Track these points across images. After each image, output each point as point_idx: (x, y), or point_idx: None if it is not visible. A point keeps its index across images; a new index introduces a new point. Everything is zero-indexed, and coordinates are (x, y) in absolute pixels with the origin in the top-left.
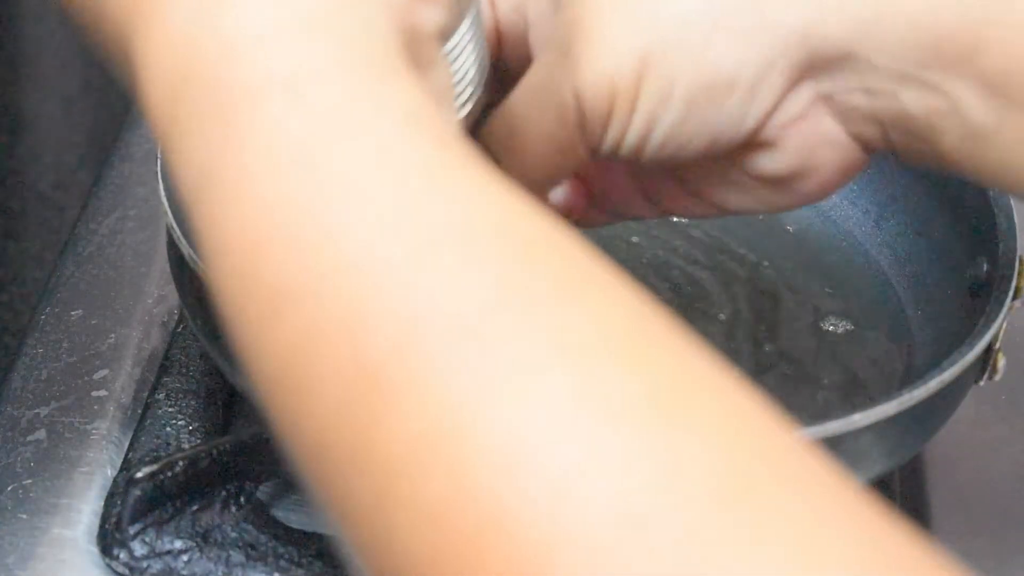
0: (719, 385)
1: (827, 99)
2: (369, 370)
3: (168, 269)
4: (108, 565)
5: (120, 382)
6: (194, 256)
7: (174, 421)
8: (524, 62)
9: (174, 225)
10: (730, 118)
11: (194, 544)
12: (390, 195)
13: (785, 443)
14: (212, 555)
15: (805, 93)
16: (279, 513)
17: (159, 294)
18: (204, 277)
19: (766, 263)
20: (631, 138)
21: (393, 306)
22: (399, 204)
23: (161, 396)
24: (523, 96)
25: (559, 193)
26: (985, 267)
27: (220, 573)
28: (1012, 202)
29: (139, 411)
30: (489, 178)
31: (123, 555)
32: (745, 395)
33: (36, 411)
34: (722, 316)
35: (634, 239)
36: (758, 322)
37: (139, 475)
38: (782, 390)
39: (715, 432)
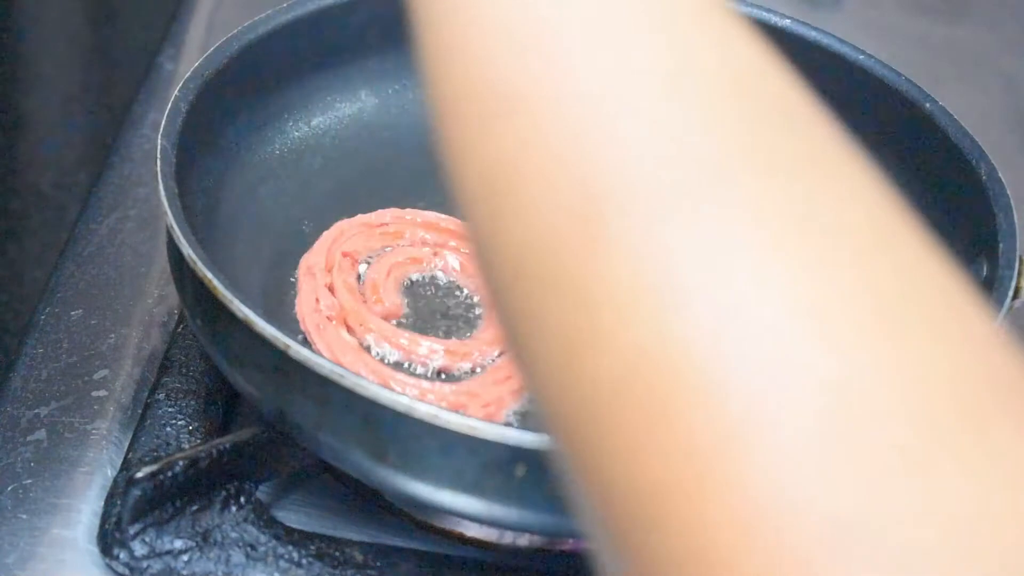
0: (948, 299)
1: None
2: (583, 196)
3: (168, 269)
4: (108, 565)
5: (120, 382)
6: (194, 256)
7: (174, 421)
8: None
9: (174, 225)
10: None
11: (194, 544)
12: (643, 32)
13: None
14: (212, 555)
15: None
16: (279, 513)
17: (159, 294)
18: (204, 277)
19: None
20: None
21: (621, 144)
22: (647, 43)
23: (161, 396)
24: None
25: None
26: (985, 267)
27: (220, 573)
28: (1012, 202)
29: (139, 411)
30: (736, 31)
31: (123, 555)
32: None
33: (36, 411)
34: None
35: None
36: None
37: (139, 475)
38: None
39: (942, 348)
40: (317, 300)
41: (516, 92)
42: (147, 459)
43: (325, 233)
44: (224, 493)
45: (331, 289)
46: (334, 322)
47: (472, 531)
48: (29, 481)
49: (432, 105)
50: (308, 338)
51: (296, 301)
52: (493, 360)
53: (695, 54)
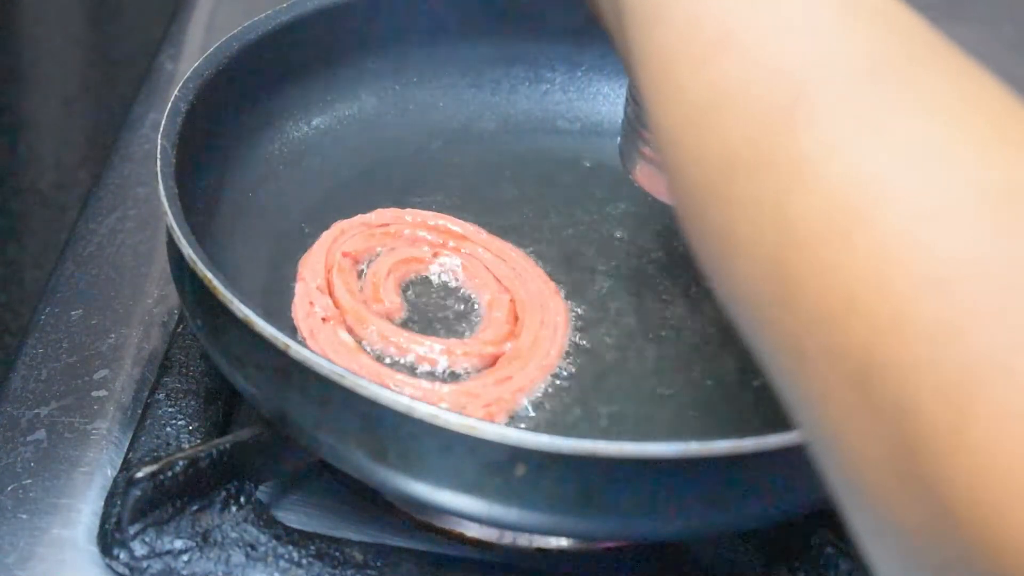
0: None
1: None
2: (790, 95)
3: (168, 269)
4: (108, 565)
5: (120, 382)
6: (194, 256)
7: (174, 421)
8: None
9: (174, 225)
10: None
11: (194, 544)
12: None
13: None
14: (212, 555)
15: None
16: (279, 513)
17: (159, 294)
18: (204, 277)
19: None
20: None
21: (818, 50)
22: None
23: (161, 396)
24: None
25: None
26: None
27: (220, 573)
28: None
29: (139, 411)
30: None
31: (123, 555)
32: None
33: (36, 411)
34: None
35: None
36: None
37: (139, 475)
38: None
39: None
40: (311, 304)
41: (729, 36)
42: (147, 459)
43: (325, 233)
44: (224, 493)
45: (330, 289)
46: (331, 322)
47: (472, 531)
48: (29, 481)
49: (644, 54)
50: (304, 343)
51: (292, 305)
52: (493, 360)
53: None
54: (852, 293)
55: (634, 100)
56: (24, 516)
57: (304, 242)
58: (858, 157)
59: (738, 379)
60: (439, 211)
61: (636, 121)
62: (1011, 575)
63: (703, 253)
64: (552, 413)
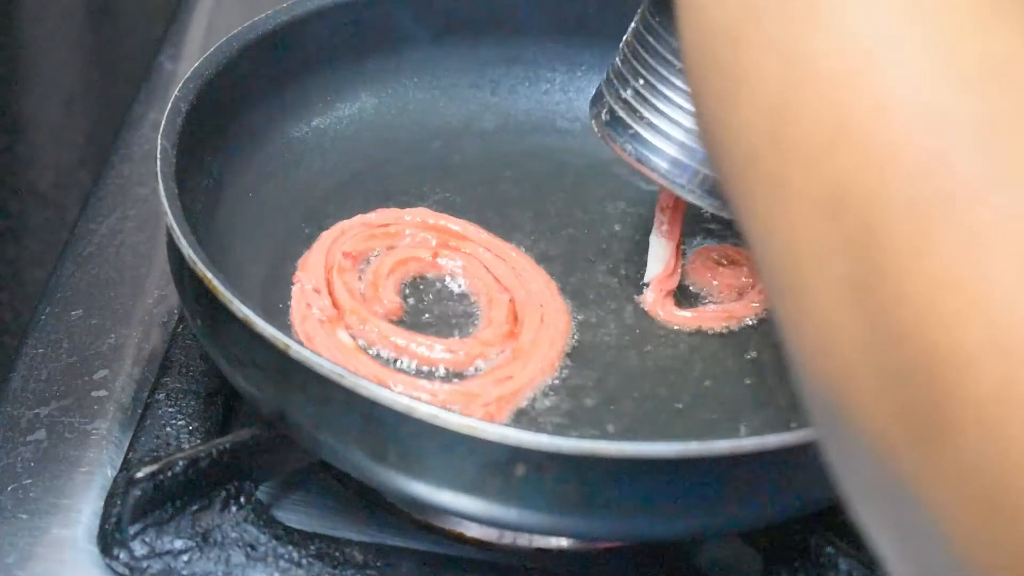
0: None
1: None
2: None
3: (168, 269)
4: (108, 565)
5: (120, 382)
6: (194, 256)
7: (174, 421)
8: None
9: (174, 225)
10: None
11: (194, 544)
12: None
13: None
14: (212, 555)
15: None
16: (279, 513)
17: (159, 294)
18: (204, 277)
19: None
20: None
21: None
22: None
23: (161, 396)
24: None
25: None
26: None
27: (220, 573)
28: None
29: (139, 411)
30: None
31: (123, 555)
32: None
33: (36, 411)
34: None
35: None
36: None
37: (139, 475)
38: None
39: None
40: (308, 306)
41: None
42: (147, 459)
43: (325, 233)
44: (224, 493)
45: (330, 289)
46: (329, 325)
47: (472, 531)
48: (29, 481)
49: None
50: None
51: (290, 309)
52: (493, 360)
53: None
54: (846, 124)
55: (625, 54)
56: (24, 516)
57: (304, 242)
58: (872, 7)
59: (737, 379)
60: (439, 211)
61: (617, 74)
62: (951, 392)
63: (705, 101)
64: (552, 413)
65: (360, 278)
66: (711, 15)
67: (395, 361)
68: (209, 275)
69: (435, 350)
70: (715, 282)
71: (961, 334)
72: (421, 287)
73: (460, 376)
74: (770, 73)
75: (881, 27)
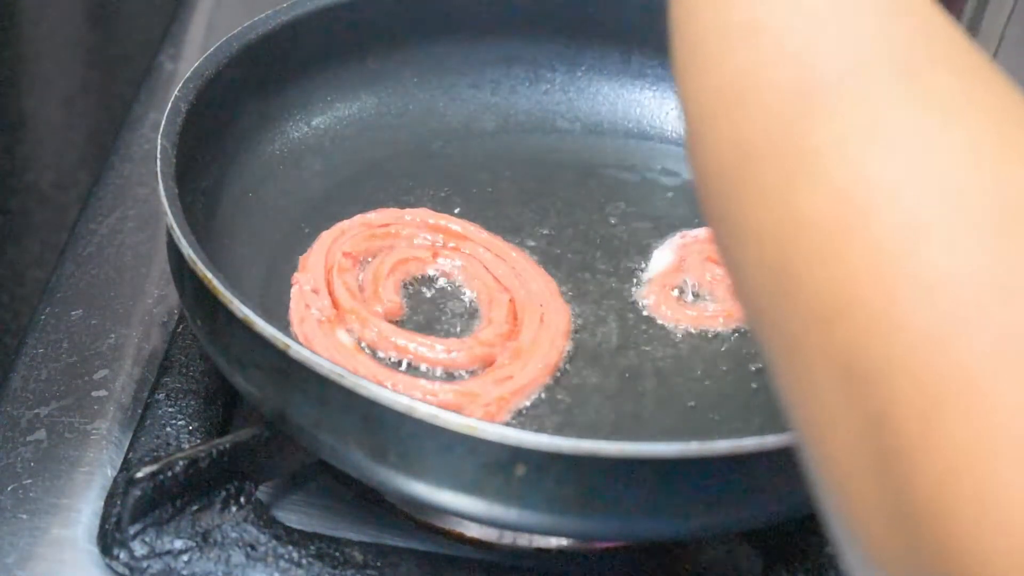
0: None
1: None
2: (808, 88)
3: (168, 269)
4: (108, 565)
5: (120, 382)
6: (194, 256)
7: (174, 421)
8: None
9: (174, 225)
10: None
11: (194, 544)
12: None
13: None
14: (212, 555)
15: None
16: (279, 513)
17: (159, 294)
18: (204, 277)
19: None
20: None
21: (841, 43)
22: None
23: (161, 396)
24: None
25: None
26: None
27: (220, 573)
28: None
29: (139, 411)
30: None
31: (123, 555)
32: None
33: (36, 411)
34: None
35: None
36: None
37: (139, 475)
38: None
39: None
40: (307, 306)
41: (756, 23)
42: (147, 459)
43: (325, 233)
44: (224, 493)
45: (330, 289)
46: (328, 325)
47: (472, 531)
48: (29, 481)
49: (677, 42)
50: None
51: (288, 311)
52: (493, 360)
53: None
54: (847, 291)
55: None
56: (24, 516)
57: (304, 242)
58: (868, 156)
59: (738, 379)
60: (440, 211)
61: None
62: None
63: (718, 242)
64: (552, 413)
65: (360, 278)
66: (712, 161)
67: (395, 361)
68: (209, 275)
69: (435, 350)
70: (715, 282)
71: (974, 538)
72: (421, 287)
73: (460, 376)
74: (767, 229)
75: (879, 177)
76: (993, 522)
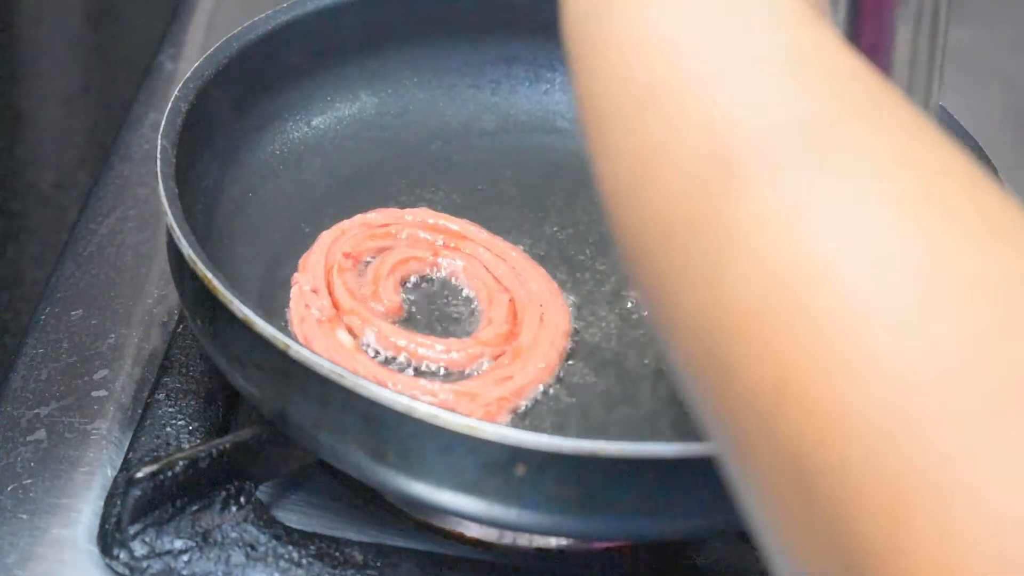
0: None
1: None
2: (721, 159)
3: (168, 269)
4: (108, 565)
5: (120, 382)
6: (194, 256)
7: (174, 421)
8: None
9: (174, 225)
10: None
11: (194, 544)
12: (745, 29)
13: None
14: (212, 555)
15: None
16: (279, 513)
17: (159, 294)
18: (204, 277)
19: None
20: None
21: (756, 107)
22: (755, 33)
23: (161, 396)
24: None
25: None
26: None
27: (220, 573)
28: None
29: (139, 411)
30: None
31: (123, 555)
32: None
33: (36, 411)
34: None
35: None
36: None
37: (139, 475)
38: None
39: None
40: (307, 306)
41: (659, 86)
42: (147, 459)
43: (324, 233)
44: (224, 493)
45: (329, 289)
46: (328, 325)
47: (472, 531)
48: (29, 481)
49: (584, 108)
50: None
51: (288, 311)
52: (493, 360)
53: (797, 42)
54: (785, 377)
55: None
56: (24, 516)
57: (304, 242)
58: (793, 232)
59: None
60: (439, 211)
61: None
62: None
63: (650, 318)
64: (552, 413)
65: (360, 278)
66: (632, 239)
67: (395, 361)
68: (209, 275)
69: (435, 350)
70: None
71: None
72: (421, 287)
73: (460, 376)
74: (696, 313)
75: (804, 259)
76: None
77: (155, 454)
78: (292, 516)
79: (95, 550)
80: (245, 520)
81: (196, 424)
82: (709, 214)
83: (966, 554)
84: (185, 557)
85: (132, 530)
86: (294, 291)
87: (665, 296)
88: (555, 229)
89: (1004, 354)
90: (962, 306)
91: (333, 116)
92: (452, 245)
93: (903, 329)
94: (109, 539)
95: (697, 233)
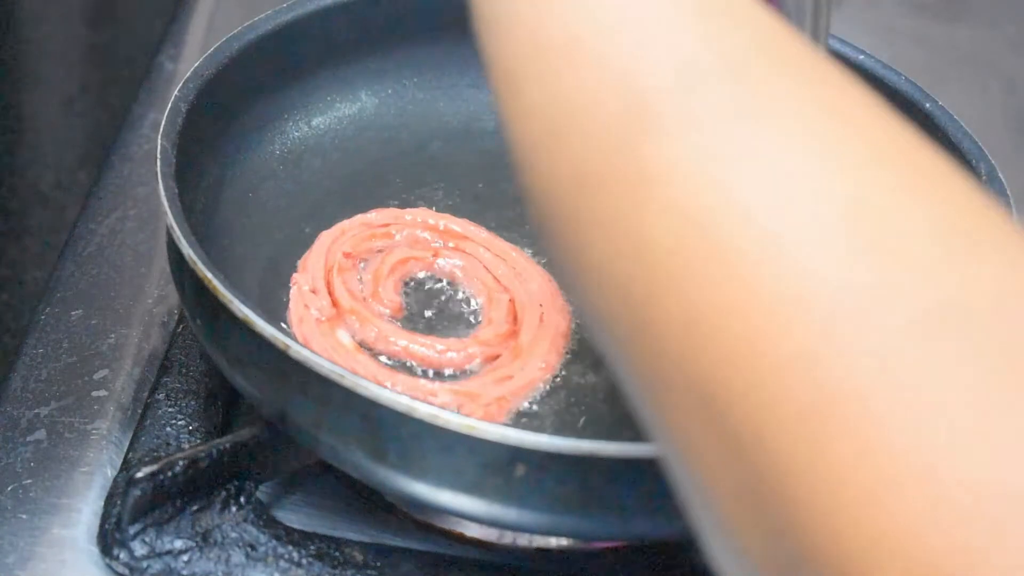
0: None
1: None
2: (635, 107)
3: (168, 269)
4: (108, 565)
5: (120, 382)
6: (194, 256)
7: (174, 421)
8: None
9: (174, 225)
10: None
11: (194, 544)
12: None
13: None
14: (212, 555)
15: None
16: (279, 513)
17: (159, 294)
18: (204, 277)
19: None
20: None
21: (668, 54)
22: None
23: (161, 396)
24: None
25: None
26: None
27: (220, 573)
28: (1012, 202)
29: (139, 411)
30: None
31: (123, 555)
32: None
33: (36, 411)
34: None
35: None
36: None
37: (139, 475)
38: None
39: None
40: (306, 306)
41: (573, 41)
42: (147, 459)
43: (324, 233)
44: (224, 493)
45: (329, 289)
46: (328, 325)
47: (472, 531)
48: (29, 481)
49: (495, 70)
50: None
51: (288, 311)
52: (493, 360)
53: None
54: (700, 315)
55: None
56: (24, 516)
57: (304, 242)
58: (705, 172)
59: None
60: (439, 210)
61: None
62: None
63: (562, 276)
64: (552, 413)
65: (360, 278)
66: (546, 195)
67: (395, 361)
68: (209, 275)
69: (435, 350)
70: None
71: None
72: (421, 287)
73: (460, 376)
74: (610, 259)
75: (723, 195)
76: (887, 557)
77: (155, 454)
78: (292, 516)
79: (95, 550)
80: (245, 520)
81: (196, 424)
82: (624, 161)
83: (882, 466)
84: (185, 557)
85: (132, 530)
86: (293, 291)
87: (580, 249)
88: None
89: (913, 279)
90: (871, 235)
91: (333, 116)
92: (452, 245)
93: (814, 258)
94: (109, 539)
95: (613, 181)
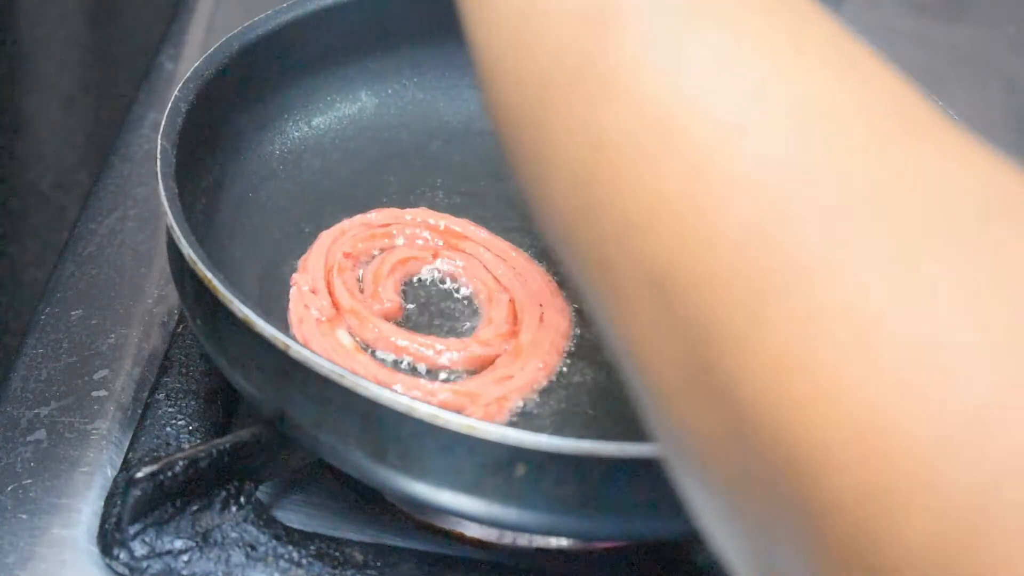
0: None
1: None
2: (599, 10)
3: (168, 269)
4: (108, 565)
5: (120, 382)
6: (194, 256)
7: (174, 421)
8: None
9: (174, 225)
10: None
11: (194, 544)
12: None
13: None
14: (212, 555)
15: None
16: (279, 513)
17: (159, 294)
18: (204, 277)
19: None
20: None
21: None
22: None
23: (161, 396)
24: None
25: None
26: None
27: (220, 573)
28: None
29: (139, 411)
30: None
31: (123, 555)
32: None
33: (36, 411)
34: None
35: None
36: None
37: (139, 475)
38: None
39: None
40: (306, 307)
41: None
42: (147, 459)
43: (325, 233)
44: (224, 493)
45: (329, 289)
46: (328, 325)
47: (472, 531)
48: (29, 481)
49: None
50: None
51: (288, 311)
52: (493, 360)
53: None
54: (659, 201)
55: None
56: (24, 516)
57: (304, 242)
58: (668, 70)
59: None
60: (439, 211)
61: None
62: (801, 482)
63: (521, 179)
64: (552, 413)
65: (360, 278)
66: (510, 95)
67: (395, 361)
68: (209, 275)
69: (435, 350)
70: None
71: (812, 434)
72: (421, 287)
73: (460, 376)
74: (572, 154)
75: (681, 89)
76: (829, 415)
77: (155, 454)
78: (292, 516)
79: (95, 550)
80: (245, 520)
81: (196, 424)
82: (588, 62)
83: (824, 323)
84: (185, 557)
85: (132, 530)
86: (293, 291)
87: (543, 143)
88: None
89: (852, 160)
90: (815, 122)
91: (333, 116)
92: (452, 245)
93: (762, 142)
94: (109, 539)
95: (577, 78)
